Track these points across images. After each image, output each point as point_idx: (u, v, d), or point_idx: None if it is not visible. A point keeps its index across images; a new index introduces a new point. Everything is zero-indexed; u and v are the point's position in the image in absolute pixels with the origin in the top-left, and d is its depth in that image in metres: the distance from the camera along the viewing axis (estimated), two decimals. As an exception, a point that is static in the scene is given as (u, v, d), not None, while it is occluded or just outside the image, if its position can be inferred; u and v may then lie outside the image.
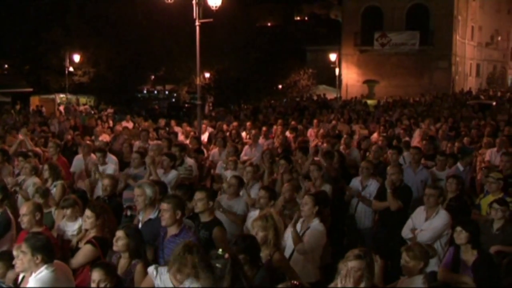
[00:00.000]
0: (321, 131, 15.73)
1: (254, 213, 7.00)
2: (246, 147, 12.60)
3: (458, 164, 10.13)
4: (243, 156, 11.78)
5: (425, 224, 6.88)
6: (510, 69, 53.21)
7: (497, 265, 6.11)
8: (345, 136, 13.11)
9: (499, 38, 51.18)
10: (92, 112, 27.67)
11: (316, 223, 6.36)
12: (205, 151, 12.76)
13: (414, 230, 6.99)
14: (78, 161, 10.65)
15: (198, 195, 6.39)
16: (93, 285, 4.64)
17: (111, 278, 4.60)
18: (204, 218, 6.35)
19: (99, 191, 8.51)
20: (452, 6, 41.63)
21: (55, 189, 8.00)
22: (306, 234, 6.29)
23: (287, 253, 6.14)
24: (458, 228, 5.80)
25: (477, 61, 48.93)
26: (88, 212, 5.93)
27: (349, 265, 4.48)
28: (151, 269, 4.89)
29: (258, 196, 7.07)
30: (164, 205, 5.74)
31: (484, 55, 49.41)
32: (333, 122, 18.26)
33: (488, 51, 49.88)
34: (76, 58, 36.34)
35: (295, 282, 4.30)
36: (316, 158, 10.23)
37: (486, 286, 5.44)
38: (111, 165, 10.04)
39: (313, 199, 6.48)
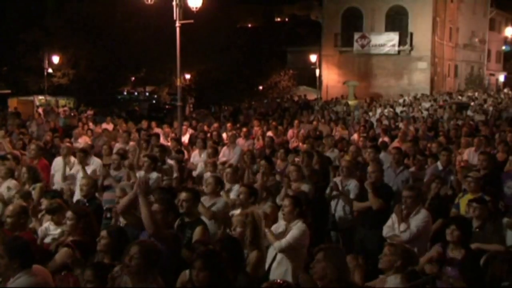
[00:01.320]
0: (302, 131, 15.80)
1: (236, 213, 7.05)
2: (224, 148, 12.57)
3: (438, 163, 10.23)
4: (221, 157, 11.75)
5: (402, 225, 6.92)
6: (487, 70, 53.88)
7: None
8: (325, 136, 13.16)
9: (476, 40, 51.79)
10: (72, 114, 27.37)
11: (298, 224, 6.35)
12: (185, 152, 12.74)
13: (395, 229, 7.05)
14: (57, 163, 10.54)
15: (184, 195, 6.37)
16: (82, 283, 4.62)
17: (99, 281, 4.55)
18: (189, 218, 6.33)
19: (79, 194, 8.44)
20: (430, 7, 42.02)
21: (33, 192, 7.92)
22: (287, 234, 6.29)
23: (271, 253, 6.17)
24: (452, 226, 5.85)
25: (455, 62, 49.44)
26: (69, 214, 5.88)
27: (315, 259, 4.64)
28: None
29: (238, 192, 7.08)
30: (157, 207, 5.71)
31: (462, 56, 49.93)
32: (314, 123, 18.32)
33: (465, 53, 50.41)
34: (55, 59, 35.96)
35: (279, 280, 4.31)
36: (296, 159, 10.27)
37: (474, 283, 5.50)
38: (91, 167, 9.98)
39: (292, 201, 6.47)
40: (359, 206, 8.25)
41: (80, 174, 9.36)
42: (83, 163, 9.69)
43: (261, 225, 5.65)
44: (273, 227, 6.35)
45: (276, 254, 6.19)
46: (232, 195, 7.92)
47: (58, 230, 6.35)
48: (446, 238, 5.93)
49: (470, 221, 6.51)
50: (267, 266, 6.17)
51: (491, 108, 25.78)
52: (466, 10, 49.59)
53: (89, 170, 9.70)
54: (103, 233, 5.32)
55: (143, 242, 4.74)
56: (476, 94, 36.24)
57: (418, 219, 6.89)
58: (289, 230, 6.26)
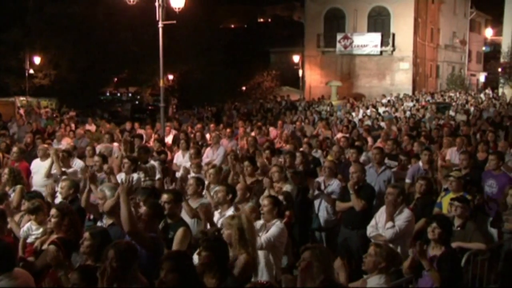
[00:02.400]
0: (285, 132, 15.83)
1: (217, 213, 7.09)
2: (208, 149, 12.55)
3: (420, 163, 10.33)
4: (205, 158, 11.73)
5: (388, 222, 6.97)
6: (468, 70, 54.41)
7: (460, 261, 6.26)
8: (308, 137, 13.19)
9: (457, 41, 52.32)
10: (54, 115, 27.12)
11: (277, 223, 6.38)
12: (169, 153, 12.70)
13: (379, 229, 7.10)
14: (36, 165, 10.42)
15: (166, 197, 6.36)
16: (70, 285, 4.59)
17: (86, 284, 4.52)
18: (172, 219, 6.32)
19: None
20: (412, 8, 42.35)
21: (14, 193, 7.86)
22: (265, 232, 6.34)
23: None
24: (433, 224, 5.91)
25: (437, 62, 49.87)
26: (53, 211, 5.85)
27: (301, 258, 4.68)
28: None
29: (216, 191, 7.10)
30: (145, 210, 5.67)
31: (443, 57, 50.36)
32: (298, 123, 18.36)
33: (447, 53, 50.87)
34: (37, 60, 35.60)
35: (261, 280, 4.30)
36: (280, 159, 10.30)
37: (450, 279, 5.56)
38: (73, 168, 9.90)
39: (272, 201, 6.50)
40: (341, 206, 8.28)
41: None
42: (58, 163, 9.61)
43: (250, 228, 5.64)
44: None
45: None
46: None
47: (40, 230, 6.33)
48: (428, 236, 5.99)
49: (450, 219, 6.58)
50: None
51: (472, 108, 26.05)
52: (447, 11, 50.07)
53: (69, 170, 9.64)
54: (86, 235, 5.27)
55: (117, 244, 4.69)
56: (458, 94, 36.58)
57: (401, 218, 6.96)
58: (268, 228, 6.31)
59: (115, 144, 13.24)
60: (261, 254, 6.12)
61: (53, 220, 5.81)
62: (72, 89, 35.58)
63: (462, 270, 6.30)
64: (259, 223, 6.40)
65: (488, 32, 60.07)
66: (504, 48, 38.84)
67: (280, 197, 7.27)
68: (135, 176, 8.90)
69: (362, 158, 10.78)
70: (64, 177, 8.87)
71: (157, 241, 5.65)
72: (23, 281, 4.80)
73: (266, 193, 7.96)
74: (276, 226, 6.28)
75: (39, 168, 10.04)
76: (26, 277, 4.93)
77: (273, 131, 16.92)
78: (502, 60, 38.99)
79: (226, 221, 5.57)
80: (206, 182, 8.20)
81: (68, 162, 10.04)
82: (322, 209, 8.60)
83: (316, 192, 8.63)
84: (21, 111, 29.57)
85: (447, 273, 5.59)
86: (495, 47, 56.49)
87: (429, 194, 8.22)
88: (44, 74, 36.53)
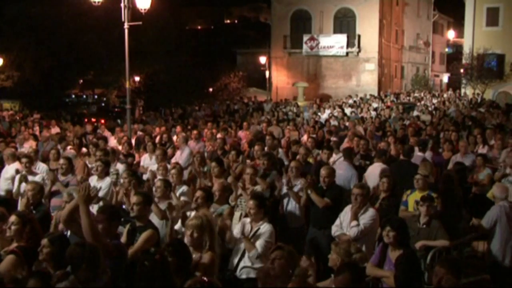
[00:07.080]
0: (248, 133, 15.84)
1: (189, 214, 7.04)
2: (178, 151, 12.47)
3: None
4: (173, 160, 11.66)
5: (353, 222, 7.05)
6: (432, 71, 55.35)
7: (419, 262, 6.34)
8: (268, 137, 13.14)
9: (421, 42, 53.22)
10: (17, 117, 26.56)
11: (266, 226, 6.50)
12: (136, 155, 12.59)
13: (344, 228, 7.17)
14: (7, 171, 10.20)
15: (135, 199, 6.31)
16: None
17: None
18: (140, 222, 6.26)
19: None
20: (377, 10, 42.88)
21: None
22: (257, 236, 6.41)
23: (239, 251, 6.41)
24: (387, 228, 5.99)
25: (402, 63, 50.60)
26: (13, 218, 5.62)
27: (271, 256, 4.77)
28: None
29: (196, 196, 7.06)
30: (99, 216, 5.58)
31: (408, 58, 51.15)
32: (264, 124, 18.35)
33: (411, 54, 51.67)
34: (-2, 61, 34.89)
35: (204, 278, 4.31)
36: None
37: (405, 281, 5.64)
38: (39, 175, 9.71)
39: (257, 203, 6.57)
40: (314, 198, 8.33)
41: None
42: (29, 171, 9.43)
43: (215, 227, 5.67)
44: (236, 229, 6.53)
45: (244, 252, 6.36)
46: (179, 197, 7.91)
47: None
48: (384, 239, 6.07)
49: (404, 221, 6.58)
50: (235, 262, 6.38)
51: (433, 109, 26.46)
52: (411, 13, 50.88)
53: (36, 177, 9.46)
54: (44, 241, 5.10)
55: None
56: (422, 94, 37.17)
57: (366, 217, 7.05)
58: (256, 230, 6.44)
59: (69, 147, 13.12)
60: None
61: (13, 227, 5.56)
62: (36, 91, 34.90)
63: (421, 270, 6.39)
64: (246, 224, 6.47)
65: (450, 34, 61.33)
66: (466, 50, 39.56)
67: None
68: (106, 180, 8.79)
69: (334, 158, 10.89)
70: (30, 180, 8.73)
71: (120, 247, 5.59)
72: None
73: (234, 194, 7.98)
74: (266, 231, 6.44)
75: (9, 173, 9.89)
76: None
77: (240, 133, 16.95)
78: (464, 61, 39.71)
79: (194, 224, 5.53)
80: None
81: (31, 166, 9.84)
82: (289, 208, 8.62)
83: (284, 190, 8.60)
84: (-17, 113, 28.91)
85: (403, 274, 5.67)
86: (457, 49, 57.73)
87: (393, 193, 8.32)
88: (7, 75, 35.73)
